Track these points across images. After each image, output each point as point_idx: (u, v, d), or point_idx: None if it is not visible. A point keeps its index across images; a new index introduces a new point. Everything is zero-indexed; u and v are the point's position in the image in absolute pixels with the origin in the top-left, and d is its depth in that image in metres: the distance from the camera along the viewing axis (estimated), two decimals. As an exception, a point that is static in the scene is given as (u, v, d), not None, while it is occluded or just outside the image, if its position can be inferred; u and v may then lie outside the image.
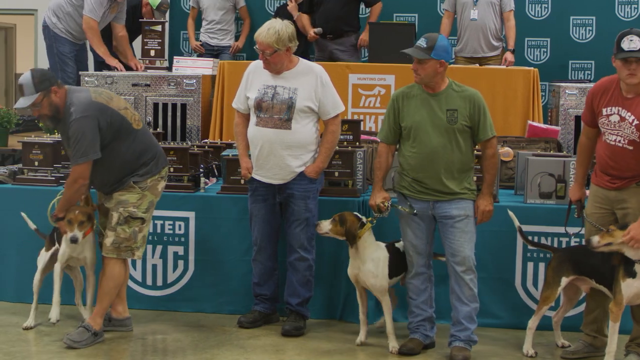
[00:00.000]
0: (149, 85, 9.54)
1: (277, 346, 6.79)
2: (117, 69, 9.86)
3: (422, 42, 6.38)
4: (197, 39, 11.36)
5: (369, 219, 6.70)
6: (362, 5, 10.87)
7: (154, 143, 6.85)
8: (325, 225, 6.64)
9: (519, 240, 7.10)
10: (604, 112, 6.29)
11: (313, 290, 7.15)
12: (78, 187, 6.55)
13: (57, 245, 6.97)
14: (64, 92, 6.55)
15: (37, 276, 7.08)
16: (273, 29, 6.78)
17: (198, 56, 10.96)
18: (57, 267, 6.88)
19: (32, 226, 7.25)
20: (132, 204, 6.64)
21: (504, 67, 9.84)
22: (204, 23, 11.23)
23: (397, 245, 6.80)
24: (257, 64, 7.04)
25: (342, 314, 7.44)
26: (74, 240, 6.60)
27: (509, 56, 10.10)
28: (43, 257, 7.10)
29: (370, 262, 6.62)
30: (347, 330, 7.17)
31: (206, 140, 9.08)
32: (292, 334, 7.00)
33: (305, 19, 10.75)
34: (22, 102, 6.50)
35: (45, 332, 6.97)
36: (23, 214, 7.28)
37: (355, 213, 6.79)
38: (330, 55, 10.55)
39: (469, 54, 10.35)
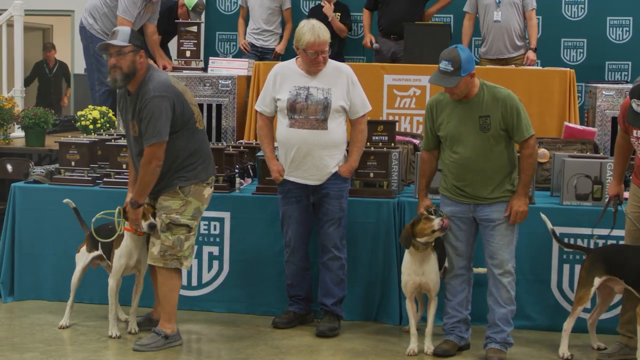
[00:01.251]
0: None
1: (311, 347, 6.80)
2: None
3: (446, 66, 6.26)
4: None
5: None
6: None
7: (209, 149, 6.80)
8: (437, 222, 6.45)
9: (555, 242, 7.05)
10: (635, 134, 6.35)
11: (346, 289, 7.14)
12: (153, 168, 6.42)
13: (99, 252, 6.97)
14: (146, 62, 6.56)
15: (76, 275, 7.09)
16: (320, 27, 6.83)
17: (241, 56, 10.98)
18: (113, 284, 6.82)
19: (72, 205, 7.21)
20: (175, 211, 6.57)
21: (534, 67, 9.80)
22: (250, 24, 11.24)
23: None
24: (283, 65, 7.07)
25: (377, 314, 7.43)
26: (152, 227, 6.53)
27: (531, 55, 10.08)
28: (83, 256, 7.08)
29: (434, 263, 6.62)
30: (382, 331, 7.16)
31: (241, 140, 9.09)
32: (326, 335, 7.00)
33: (366, 16, 10.80)
34: (114, 42, 6.46)
35: (81, 331, 7.01)
36: (67, 200, 7.28)
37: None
38: (393, 56, 10.50)
39: (494, 55, 10.29)
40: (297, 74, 6.94)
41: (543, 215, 6.84)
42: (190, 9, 10.34)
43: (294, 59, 7.06)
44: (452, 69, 6.23)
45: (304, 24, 6.90)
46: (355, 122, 6.98)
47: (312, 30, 6.80)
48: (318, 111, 6.84)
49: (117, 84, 6.54)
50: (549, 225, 6.81)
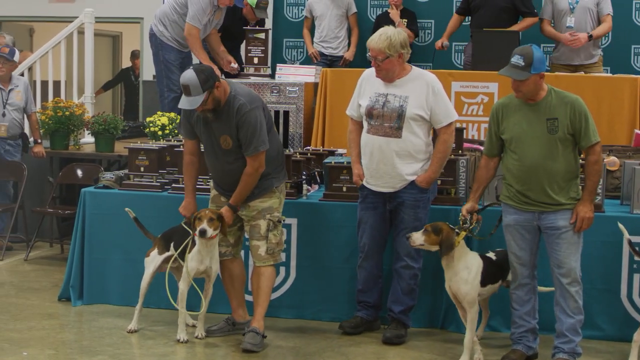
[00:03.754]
0: (252, 93, 9.58)
1: (378, 354, 6.79)
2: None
3: (518, 60, 6.24)
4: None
5: (458, 226, 6.63)
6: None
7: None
8: (418, 237, 6.52)
9: (625, 251, 6.97)
10: None
11: (417, 299, 7.11)
12: (258, 175, 6.71)
13: (172, 252, 7.03)
14: (224, 84, 6.70)
15: (145, 279, 7.15)
16: (385, 34, 6.80)
17: (309, 63, 11.00)
18: (184, 288, 6.88)
19: (132, 215, 7.32)
20: (276, 209, 6.85)
21: (604, 74, 9.67)
22: (316, 32, 11.26)
23: (488, 254, 6.74)
24: (371, 71, 7.04)
25: (443, 323, 7.39)
26: (202, 233, 6.62)
27: (583, 37, 9.93)
28: (154, 260, 7.15)
29: (464, 270, 6.51)
30: (448, 339, 7.12)
31: (308, 147, 9.11)
32: (393, 342, 6.98)
33: (455, 21, 10.70)
34: (190, 103, 6.59)
35: (148, 335, 7.07)
36: (128, 209, 7.37)
37: (446, 223, 6.69)
38: None
39: (566, 61, 10.17)
40: (379, 80, 6.94)
41: (621, 225, 6.72)
42: (253, 6, 10.35)
43: None
44: (523, 64, 6.22)
45: (380, 29, 6.94)
46: (438, 131, 6.92)
47: (374, 36, 6.87)
48: (393, 119, 6.82)
49: (209, 119, 6.72)
50: (626, 235, 6.71)
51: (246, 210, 6.85)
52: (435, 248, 6.52)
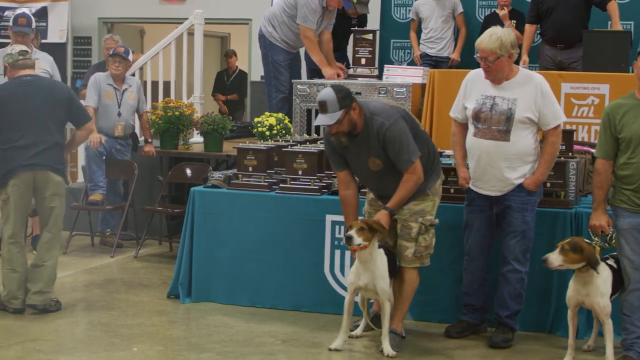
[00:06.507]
0: (359, 94, 9.58)
1: (484, 358, 6.74)
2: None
3: None
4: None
5: (594, 242, 6.50)
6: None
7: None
8: (556, 258, 6.27)
9: None
10: None
11: (523, 303, 7.02)
12: (418, 183, 6.62)
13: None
14: (359, 107, 6.58)
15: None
16: (495, 34, 6.71)
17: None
18: (347, 298, 6.73)
19: None
20: (429, 212, 6.77)
21: None
22: (423, 32, 11.24)
23: (609, 262, 6.57)
24: (476, 72, 6.97)
25: (551, 327, 7.28)
26: (348, 239, 6.43)
27: None
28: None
29: (601, 284, 6.35)
30: (555, 344, 7.01)
31: (415, 148, 9.07)
32: (500, 346, 6.91)
33: (530, 33, 10.47)
34: (326, 120, 6.50)
35: (256, 334, 7.12)
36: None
37: (581, 238, 6.53)
38: (560, 65, 10.23)
39: None
40: (486, 82, 6.85)
41: None
42: (355, 2, 10.36)
43: None
44: None
45: (489, 29, 6.86)
46: (545, 133, 6.81)
47: (484, 36, 6.77)
48: (501, 122, 6.74)
49: (343, 144, 6.64)
50: None
51: (399, 212, 6.74)
52: (576, 266, 6.31)
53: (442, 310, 7.46)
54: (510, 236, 6.84)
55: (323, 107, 6.50)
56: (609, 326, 6.37)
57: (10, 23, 9.75)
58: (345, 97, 6.48)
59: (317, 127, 9.54)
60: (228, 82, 15.77)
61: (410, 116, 6.75)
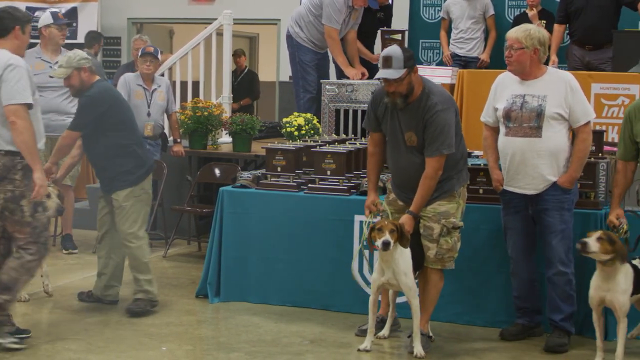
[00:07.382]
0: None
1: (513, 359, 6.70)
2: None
3: None
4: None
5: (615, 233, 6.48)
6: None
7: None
8: (594, 244, 6.22)
9: None
10: None
11: (575, 304, 6.90)
12: (438, 179, 6.60)
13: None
14: (419, 75, 6.63)
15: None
16: (525, 27, 6.80)
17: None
18: (371, 297, 6.73)
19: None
20: (452, 214, 6.72)
21: None
22: (453, 32, 11.25)
23: (634, 262, 6.53)
24: (505, 76, 6.99)
25: (580, 329, 7.20)
26: (385, 245, 6.40)
27: None
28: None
29: (623, 281, 6.32)
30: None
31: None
32: (555, 350, 6.80)
33: (559, 32, 10.47)
34: (390, 73, 6.49)
35: (284, 333, 7.14)
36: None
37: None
38: (588, 66, 10.19)
39: None
40: (515, 82, 6.87)
41: None
42: None
43: None
44: None
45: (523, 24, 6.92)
46: (576, 130, 6.78)
47: (515, 27, 6.89)
48: (532, 119, 6.72)
49: (397, 106, 6.64)
50: None
51: (423, 212, 6.71)
52: (604, 257, 6.26)
53: (492, 313, 7.38)
54: (551, 237, 6.79)
55: (387, 62, 6.51)
56: (623, 324, 6.34)
57: (49, 20, 9.74)
58: (410, 58, 6.53)
59: (348, 129, 9.55)
60: (236, 83, 15.66)
61: (458, 116, 6.77)
